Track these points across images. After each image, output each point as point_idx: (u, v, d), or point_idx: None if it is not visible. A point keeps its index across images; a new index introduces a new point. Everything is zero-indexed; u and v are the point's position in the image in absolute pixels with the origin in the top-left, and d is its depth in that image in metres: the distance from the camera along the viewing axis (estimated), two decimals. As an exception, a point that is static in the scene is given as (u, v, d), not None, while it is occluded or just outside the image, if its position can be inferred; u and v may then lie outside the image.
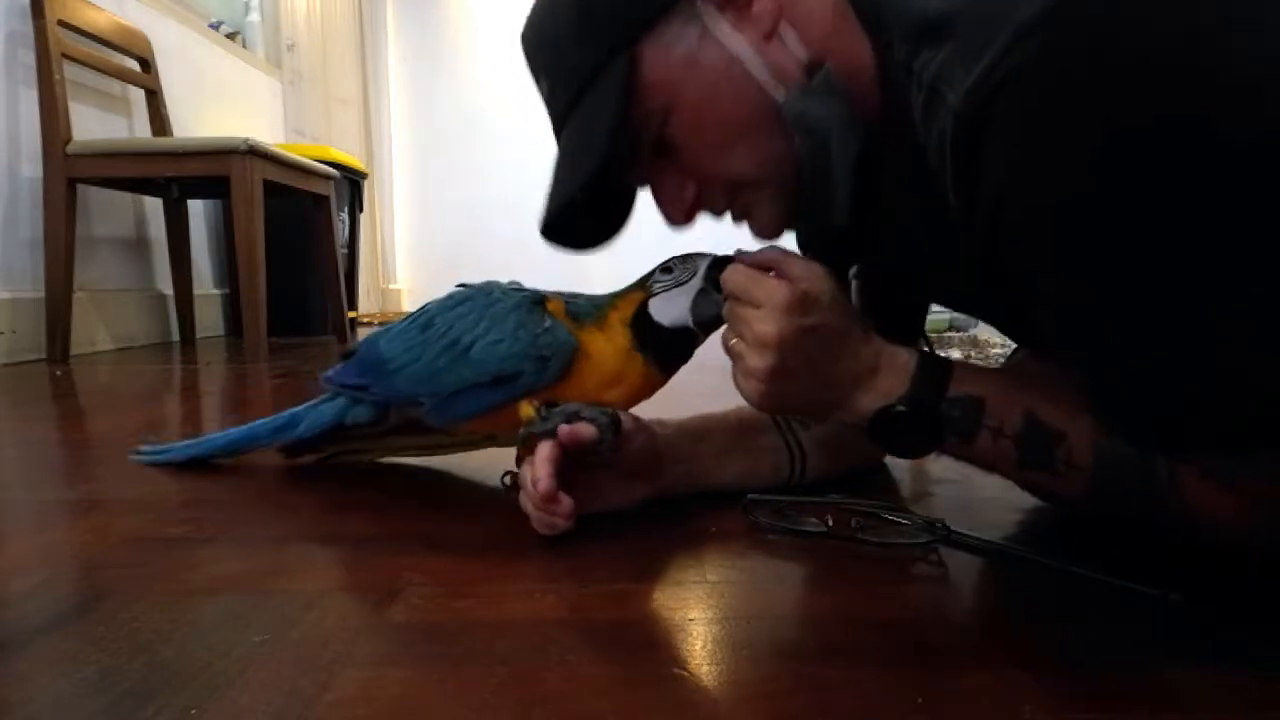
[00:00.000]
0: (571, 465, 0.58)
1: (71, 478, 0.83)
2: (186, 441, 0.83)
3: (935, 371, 0.54)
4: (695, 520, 0.64)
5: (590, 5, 0.57)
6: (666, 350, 0.64)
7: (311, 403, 0.76)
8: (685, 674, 0.40)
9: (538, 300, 0.65)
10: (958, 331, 1.80)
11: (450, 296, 0.69)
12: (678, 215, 0.61)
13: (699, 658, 0.42)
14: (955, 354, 1.58)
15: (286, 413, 0.77)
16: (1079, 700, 0.38)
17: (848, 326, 0.55)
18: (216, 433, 0.83)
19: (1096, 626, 0.46)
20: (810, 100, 0.54)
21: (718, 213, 0.61)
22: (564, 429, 0.57)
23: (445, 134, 4.20)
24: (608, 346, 0.63)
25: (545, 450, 0.57)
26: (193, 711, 0.36)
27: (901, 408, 0.54)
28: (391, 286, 4.21)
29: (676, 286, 0.63)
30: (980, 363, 1.49)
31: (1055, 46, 0.40)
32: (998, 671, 0.41)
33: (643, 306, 0.63)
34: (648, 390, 0.65)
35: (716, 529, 0.63)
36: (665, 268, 0.64)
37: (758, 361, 0.54)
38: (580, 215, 0.61)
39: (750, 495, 0.64)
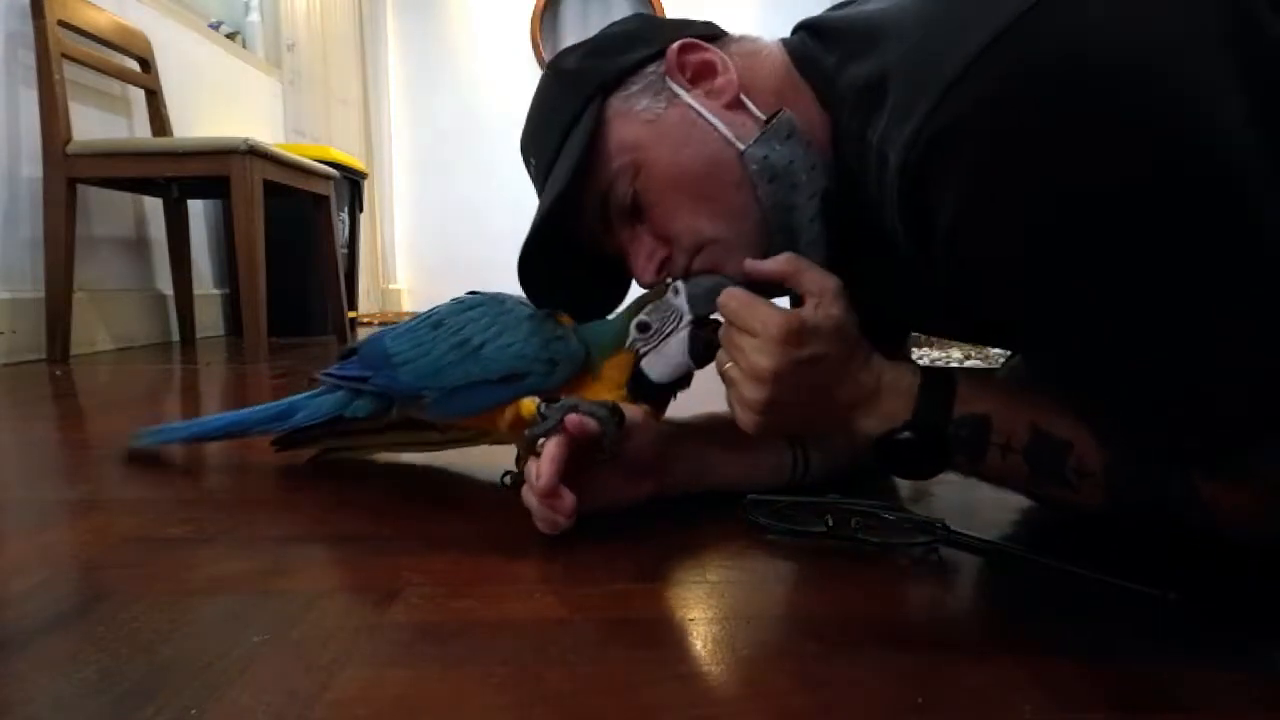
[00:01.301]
0: (575, 463, 0.58)
1: (71, 478, 0.83)
2: (184, 423, 0.85)
3: (940, 394, 0.54)
4: (695, 520, 0.64)
5: (568, 72, 0.64)
6: (664, 393, 0.65)
7: (309, 393, 0.77)
8: (685, 674, 0.40)
9: (550, 313, 0.66)
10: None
11: (461, 301, 0.70)
12: (647, 275, 0.63)
13: (699, 658, 0.42)
14: (956, 354, 1.58)
15: (285, 400, 0.78)
16: (1079, 700, 0.38)
17: (849, 353, 0.55)
18: (213, 415, 0.84)
19: (1096, 626, 0.46)
20: (771, 143, 0.57)
21: (682, 272, 0.62)
22: (572, 419, 0.57)
23: (445, 134, 4.20)
24: (602, 390, 0.64)
25: (551, 448, 0.56)
26: (193, 711, 0.36)
27: (907, 434, 0.53)
28: (391, 286, 4.21)
29: (662, 341, 0.62)
30: (980, 362, 1.49)
31: (982, 101, 0.42)
32: (998, 671, 0.41)
33: (636, 369, 0.63)
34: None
35: (716, 529, 0.63)
36: (642, 325, 0.63)
37: (752, 393, 0.54)
38: (557, 266, 0.65)
39: (750, 495, 0.64)
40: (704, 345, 0.61)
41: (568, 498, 0.55)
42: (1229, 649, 0.43)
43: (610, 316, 0.68)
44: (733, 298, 0.57)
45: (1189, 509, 0.49)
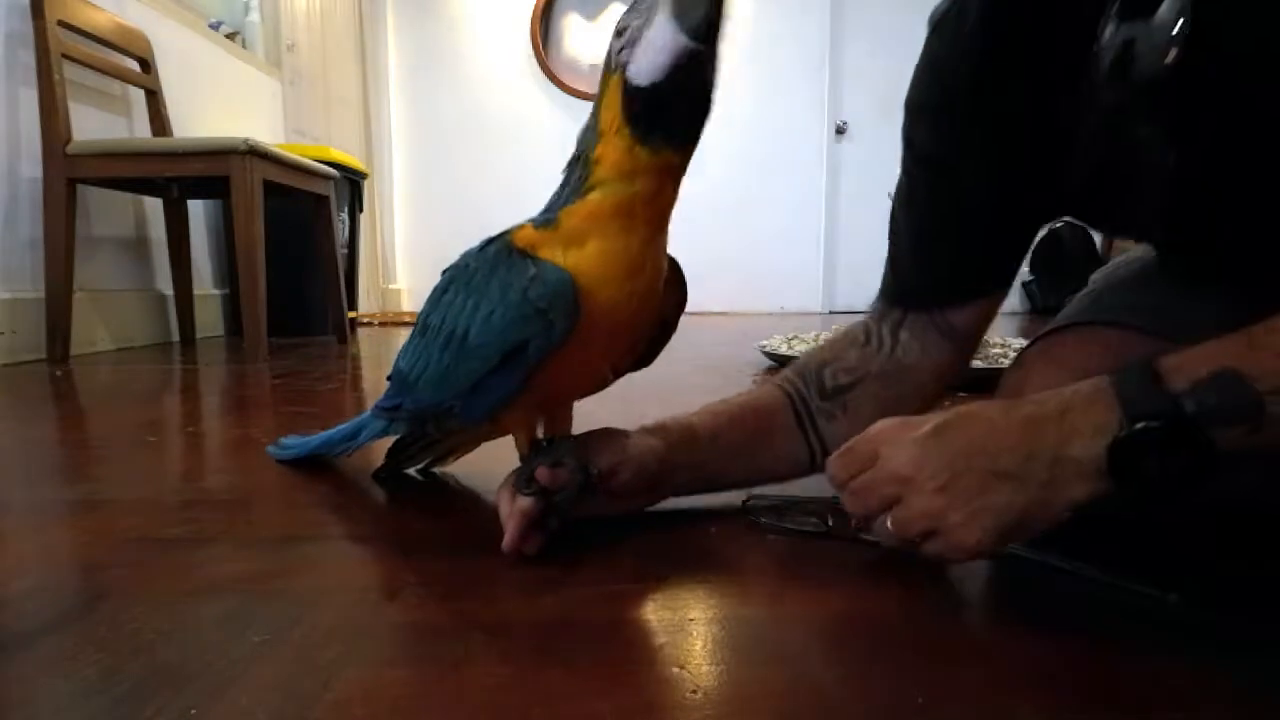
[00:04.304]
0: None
1: (71, 478, 0.83)
2: (301, 439, 0.85)
3: (1139, 373, 0.43)
4: (695, 520, 0.64)
5: None
6: (674, 109, 0.49)
7: (368, 413, 0.73)
8: (685, 674, 0.40)
9: (506, 244, 0.54)
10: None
11: (434, 290, 0.60)
12: None
13: (699, 658, 0.42)
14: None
15: (354, 420, 0.76)
16: (1079, 700, 0.38)
17: (979, 408, 0.48)
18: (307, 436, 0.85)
19: (1096, 626, 0.46)
20: None
21: None
22: (541, 472, 0.55)
23: (445, 134, 4.20)
24: (610, 207, 0.51)
25: (523, 503, 0.55)
26: (193, 711, 0.36)
27: (1139, 426, 0.41)
28: (391, 286, 4.21)
29: (645, 27, 0.47)
30: (981, 363, 1.48)
31: None
32: (998, 671, 0.41)
33: (625, 89, 0.48)
34: (659, 276, 0.55)
35: (716, 529, 0.63)
36: (618, 31, 0.49)
37: (935, 513, 0.45)
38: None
39: (751, 495, 0.64)
40: (695, 2, 0.45)
41: (532, 540, 0.55)
42: (1229, 649, 0.43)
43: None
44: (832, 465, 0.53)
45: None
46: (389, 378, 0.68)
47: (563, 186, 0.53)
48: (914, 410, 0.64)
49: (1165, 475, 0.41)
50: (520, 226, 0.54)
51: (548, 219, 0.53)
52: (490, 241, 0.56)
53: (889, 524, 0.48)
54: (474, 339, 0.53)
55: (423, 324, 0.60)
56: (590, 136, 0.51)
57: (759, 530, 0.62)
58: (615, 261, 0.51)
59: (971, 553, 0.46)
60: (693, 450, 0.64)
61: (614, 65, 0.49)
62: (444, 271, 0.61)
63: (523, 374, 0.52)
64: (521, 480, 0.56)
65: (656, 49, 0.46)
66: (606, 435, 0.61)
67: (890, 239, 0.69)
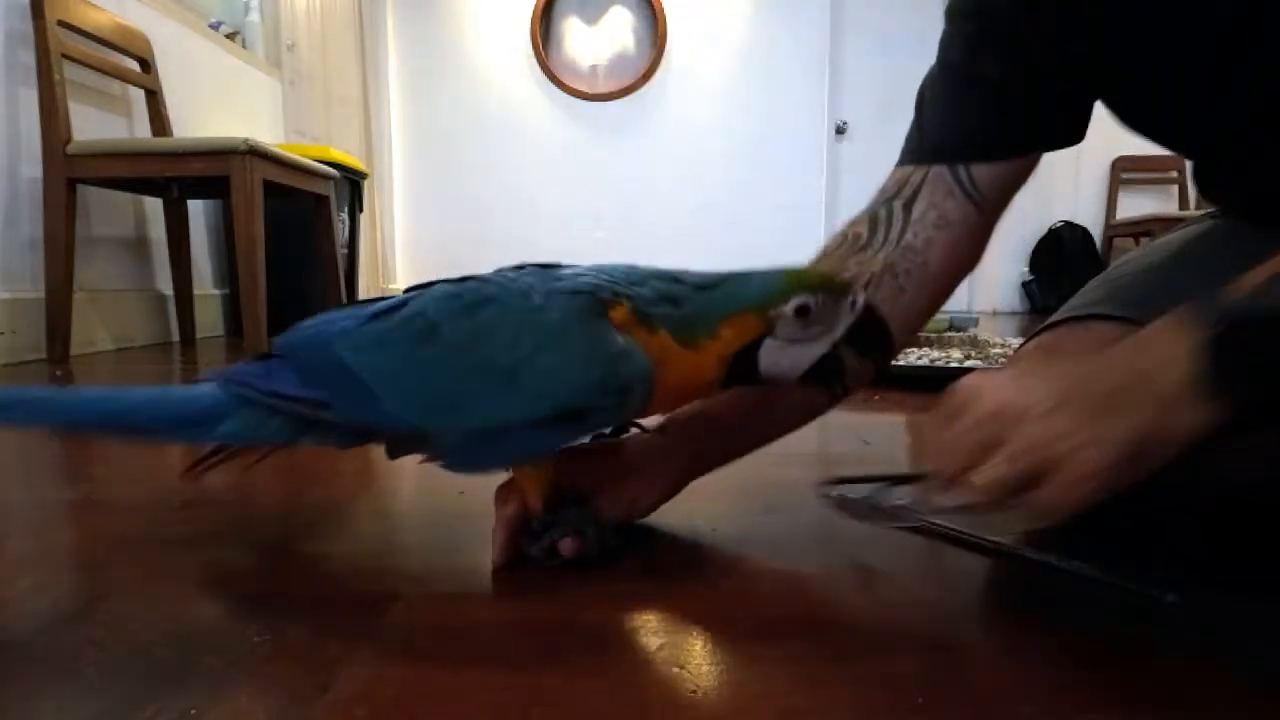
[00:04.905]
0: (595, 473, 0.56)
1: (71, 478, 0.83)
2: (40, 391, 0.65)
3: (1206, 300, 0.41)
4: (695, 520, 0.64)
5: None
6: (742, 382, 0.52)
7: (210, 392, 0.54)
8: (685, 674, 0.40)
9: (599, 307, 0.48)
10: (958, 331, 1.80)
11: (457, 295, 0.50)
12: None
13: (699, 658, 0.42)
14: (956, 354, 1.57)
15: (192, 393, 0.55)
16: (1079, 700, 0.38)
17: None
18: (81, 390, 0.65)
19: (1096, 626, 0.46)
20: None
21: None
22: (566, 545, 0.53)
23: (445, 134, 4.20)
24: (692, 372, 0.50)
25: (506, 512, 0.54)
26: (193, 711, 0.36)
27: (1224, 328, 0.39)
28: (391, 286, 4.21)
29: (806, 341, 0.49)
30: (980, 363, 1.48)
31: None
32: (998, 671, 0.41)
33: (754, 345, 0.49)
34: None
35: (716, 529, 0.63)
36: (802, 309, 0.48)
37: (1038, 439, 0.40)
38: None
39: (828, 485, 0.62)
40: (830, 369, 0.49)
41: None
42: (1229, 649, 0.43)
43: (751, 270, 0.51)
44: (911, 428, 0.50)
45: None
46: (278, 354, 0.54)
47: (665, 297, 0.50)
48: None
49: (1270, 373, 0.39)
50: (618, 301, 0.49)
51: (650, 318, 0.49)
52: (570, 291, 0.49)
53: (987, 476, 0.42)
54: (528, 383, 0.47)
55: (426, 327, 0.49)
56: (706, 317, 0.49)
57: (765, 528, 0.62)
58: (671, 395, 0.52)
59: (1094, 482, 0.40)
60: (678, 447, 0.60)
61: (770, 323, 0.48)
62: (471, 278, 0.52)
63: (571, 438, 0.51)
64: (541, 551, 0.54)
65: (785, 366, 0.49)
66: (608, 466, 0.58)
67: (916, 111, 0.64)
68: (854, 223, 0.64)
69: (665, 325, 0.49)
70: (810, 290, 0.48)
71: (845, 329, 0.49)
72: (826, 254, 0.64)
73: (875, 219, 0.63)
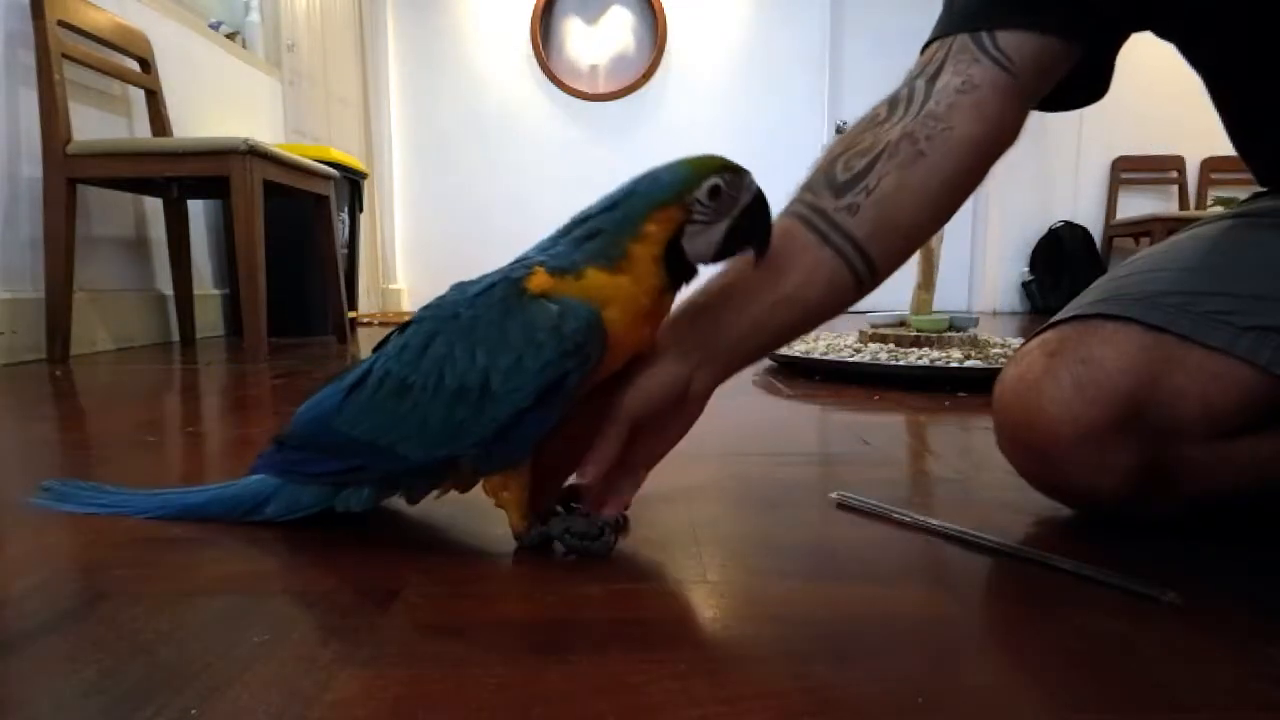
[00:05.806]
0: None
1: (71, 478, 0.83)
2: (108, 490, 0.69)
3: None
4: (695, 520, 0.64)
5: None
6: (696, 276, 0.56)
7: (261, 476, 0.63)
8: (685, 674, 0.40)
9: (516, 289, 0.52)
10: (958, 331, 1.80)
11: (405, 345, 0.55)
12: None
13: (699, 658, 0.42)
14: (956, 354, 1.57)
15: (244, 482, 0.64)
16: (1079, 701, 0.38)
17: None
18: (145, 493, 0.68)
19: (1096, 626, 0.46)
20: None
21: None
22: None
23: (445, 134, 4.20)
24: (634, 288, 0.53)
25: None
26: (193, 712, 0.36)
27: None
28: (391, 286, 4.21)
29: (717, 220, 0.53)
30: (980, 363, 1.48)
31: None
32: (998, 671, 0.41)
33: (677, 238, 0.53)
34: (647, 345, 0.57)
35: (716, 529, 0.63)
36: (714, 189, 0.53)
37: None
38: None
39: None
40: (741, 240, 0.54)
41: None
42: (1229, 649, 0.43)
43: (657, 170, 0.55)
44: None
45: None
46: (288, 444, 0.61)
47: (579, 239, 0.54)
48: (948, 183, 0.58)
49: None
50: (530, 272, 0.53)
51: (567, 267, 0.53)
52: (485, 290, 0.54)
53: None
54: (500, 387, 0.51)
55: (398, 384, 0.54)
56: (626, 226, 0.53)
57: (765, 528, 0.62)
58: (626, 323, 0.53)
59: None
60: (699, 333, 0.58)
61: (688, 209, 0.53)
62: (414, 321, 0.57)
63: (562, 406, 0.53)
64: (571, 540, 0.56)
65: (705, 248, 0.54)
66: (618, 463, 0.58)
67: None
68: (877, 105, 0.62)
69: (590, 262, 0.53)
70: (717, 172, 0.53)
71: (748, 200, 0.54)
72: (844, 136, 0.62)
73: (897, 97, 0.61)
